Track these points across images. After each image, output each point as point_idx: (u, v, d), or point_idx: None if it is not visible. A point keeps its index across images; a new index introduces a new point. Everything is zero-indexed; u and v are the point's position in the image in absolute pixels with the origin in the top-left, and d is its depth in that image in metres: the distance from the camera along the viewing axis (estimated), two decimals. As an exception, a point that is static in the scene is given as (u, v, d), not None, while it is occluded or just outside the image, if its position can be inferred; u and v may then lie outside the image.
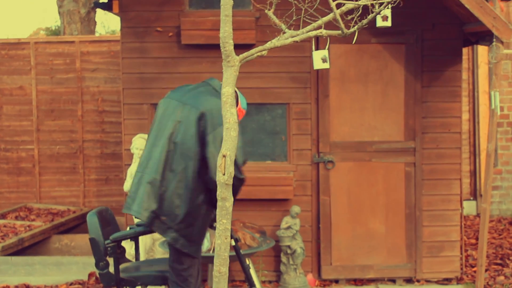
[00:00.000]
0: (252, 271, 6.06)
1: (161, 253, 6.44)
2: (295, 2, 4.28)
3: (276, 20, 3.99)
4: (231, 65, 3.75)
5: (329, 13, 3.85)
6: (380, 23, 5.69)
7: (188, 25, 6.59)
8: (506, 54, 5.74)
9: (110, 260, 5.08)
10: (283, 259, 6.59)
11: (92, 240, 5.06)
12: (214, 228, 5.13)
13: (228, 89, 3.77)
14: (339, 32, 3.84)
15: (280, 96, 6.70)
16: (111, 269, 5.09)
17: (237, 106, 4.91)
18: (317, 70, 6.60)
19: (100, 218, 5.17)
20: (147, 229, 5.06)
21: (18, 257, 7.40)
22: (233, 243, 5.12)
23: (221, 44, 3.71)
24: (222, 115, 3.62)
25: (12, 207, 9.24)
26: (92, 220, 5.11)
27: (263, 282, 6.71)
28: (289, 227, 6.53)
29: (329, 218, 6.73)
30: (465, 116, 9.57)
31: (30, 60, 9.46)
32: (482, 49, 9.45)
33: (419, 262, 6.74)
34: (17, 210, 9.15)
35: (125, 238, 5.07)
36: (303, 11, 4.23)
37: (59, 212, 9.09)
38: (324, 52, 5.86)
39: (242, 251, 5.70)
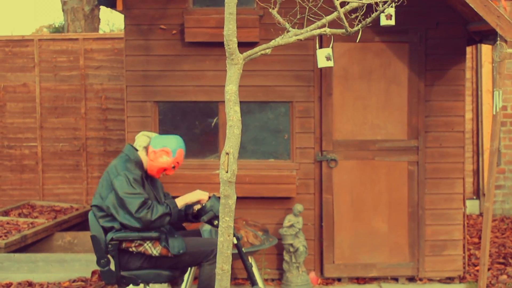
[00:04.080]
0: (254, 269, 6.06)
1: None
2: (299, 0, 4.28)
3: (280, 19, 3.99)
4: (235, 63, 3.76)
5: (333, 12, 3.85)
6: (384, 21, 5.66)
7: (192, 23, 6.59)
8: (510, 53, 5.73)
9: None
10: (286, 257, 6.59)
11: (93, 238, 5.06)
12: (216, 226, 5.14)
13: (231, 87, 3.77)
14: (343, 30, 3.84)
15: (283, 94, 6.70)
16: (113, 266, 5.10)
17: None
18: (321, 69, 6.60)
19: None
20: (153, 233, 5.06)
21: (21, 254, 7.40)
22: (235, 241, 5.12)
23: (225, 42, 3.72)
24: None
25: (15, 204, 9.24)
26: (94, 218, 5.11)
27: (265, 280, 6.72)
28: (291, 226, 6.53)
29: (332, 216, 6.73)
30: (469, 115, 9.56)
31: (34, 57, 9.47)
32: (486, 48, 9.43)
33: (421, 261, 6.74)
34: (20, 207, 9.16)
35: (127, 238, 5.05)
36: (307, 10, 4.23)
37: (62, 209, 9.10)
38: (328, 50, 5.84)
39: (244, 249, 5.70)
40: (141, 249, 5.06)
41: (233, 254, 4.19)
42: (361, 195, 6.72)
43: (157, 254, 5.06)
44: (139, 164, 5.16)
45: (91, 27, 11.56)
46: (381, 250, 6.74)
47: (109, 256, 5.10)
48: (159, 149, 5.17)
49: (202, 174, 6.65)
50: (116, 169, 5.06)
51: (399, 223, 6.73)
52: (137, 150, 5.24)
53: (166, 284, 6.44)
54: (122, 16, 6.85)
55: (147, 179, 5.21)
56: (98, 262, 5.09)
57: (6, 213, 8.82)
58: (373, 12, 3.75)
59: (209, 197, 5.31)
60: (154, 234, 5.01)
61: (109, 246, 5.01)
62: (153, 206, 4.98)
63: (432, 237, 6.73)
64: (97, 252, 5.08)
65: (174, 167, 5.23)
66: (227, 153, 3.76)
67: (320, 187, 6.74)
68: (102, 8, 11.63)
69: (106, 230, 5.06)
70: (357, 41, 4.46)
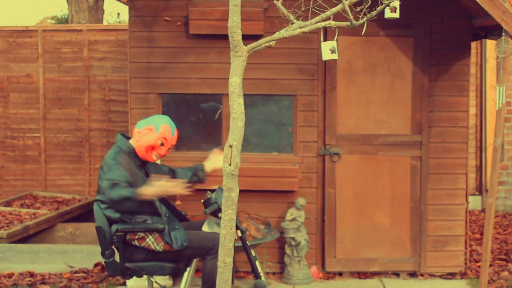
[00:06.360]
0: (256, 262, 6.06)
1: None
2: (304, -7, 4.26)
3: (285, 11, 3.98)
4: (239, 55, 3.75)
5: (338, 4, 3.84)
6: (388, 14, 5.66)
7: (197, 15, 6.57)
8: (515, 48, 5.71)
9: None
10: (288, 251, 6.59)
11: (98, 229, 5.05)
12: (219, 218, 5.13)
13: (235, 79, 3.76)
14: (348, 23, 3.82)
15: (287, 87, 6.69)
16: (117, 258, 5.09)
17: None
18: (325, 62, 6.58)
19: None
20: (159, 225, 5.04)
21: (23, 245, 7.41)
22: (239, 234, 5.11)
23: (229, 34, 3.71)
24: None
25: (17, 195, 9.26)
26: (99, 209, 5.10)
27: (267, 274, 6.72)
28: (294, 219, 6.53)
29: (334, 210, 6.72)
30: (472, 110, 9.55)
31: (38, 48, 9.46)
32: (490, 44, 9.41)
33: (423, 256, 6.73)
34: (22, 197, 9.17)
35: (132, 230, 5.03)
36: (311, 2, 4.22)
37: (64, 200, 9.10)
38: (332, 43, 5.84)
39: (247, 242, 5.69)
40: (143, 244, 5.04)
41: (236, 247, 4.18)
42: (364, 190, 6.71)
43: (160, 250, 5.06)
44: (132, 153, 5.11)
45: (95, 18, 11.55)
46: (383, 245, 6.74)
47: (113, 247, 5.09)
48: (142, 128, 5.13)
49: (204, 167, 6.64)
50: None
51: (401, 218, 6.72)
52: (129, 138, 5.21)
53: (167, 277, 6.44)
54: (126, 8, 6.83)
55: (143, 167, 5.17)
56: (102, 253, 5.08)
57: (8, 204, 8.83)
58: (378, 5, 3.74)
59: (214, 190, 5.29)
60: (160, 226, 4.99)
61: (114, 237, 5.00)
62: (119, 187, 4.88)
63: (434, 233, 6.72)
64: (101, 244, 5.07)
65: (162, 144, 5.11)
66: (230, 146, 3.76)
67: (323, 181, 6.73)
68: (107, -1, 11.61)
69: (111, 222, 5.06)
70: (362, 34, 4.45)
